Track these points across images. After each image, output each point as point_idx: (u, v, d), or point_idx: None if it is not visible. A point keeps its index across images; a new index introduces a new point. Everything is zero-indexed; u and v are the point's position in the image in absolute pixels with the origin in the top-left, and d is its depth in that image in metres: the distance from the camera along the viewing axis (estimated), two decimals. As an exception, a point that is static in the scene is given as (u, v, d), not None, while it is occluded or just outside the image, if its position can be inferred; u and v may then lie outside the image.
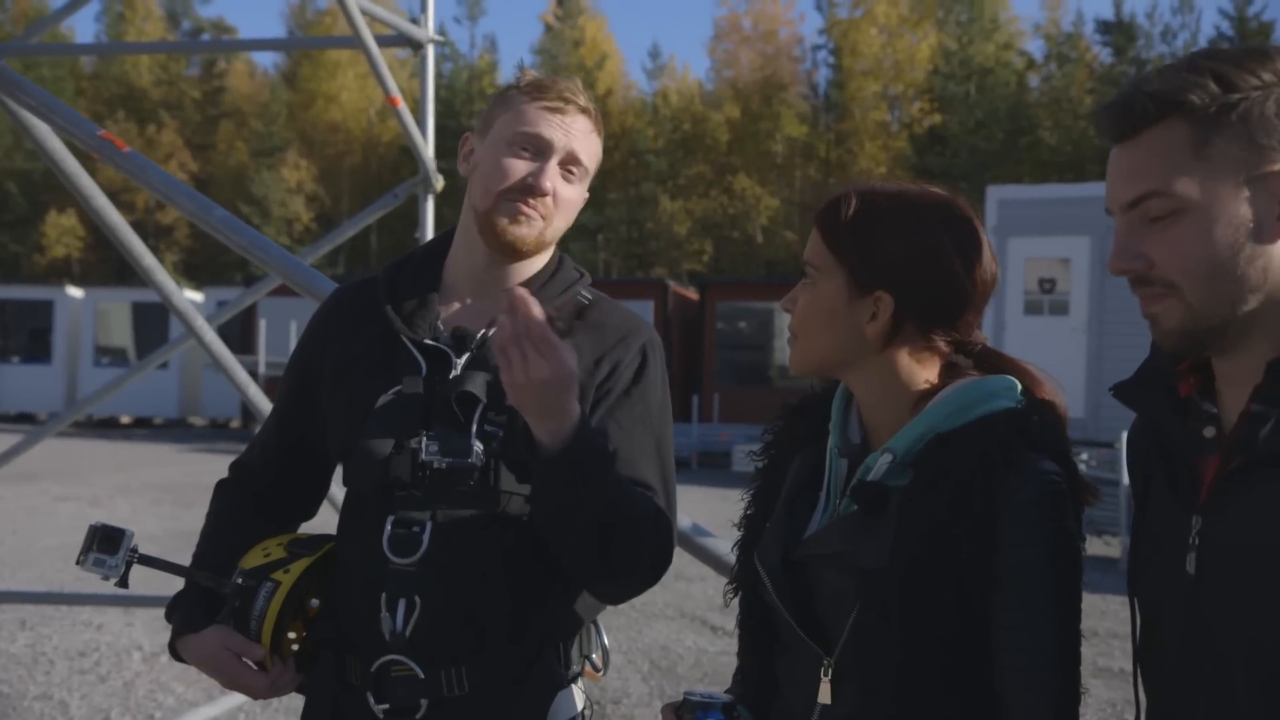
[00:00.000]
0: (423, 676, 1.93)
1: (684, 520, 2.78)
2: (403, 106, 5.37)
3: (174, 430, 25.51)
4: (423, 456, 1.91)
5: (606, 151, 2.15)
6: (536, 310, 1.71)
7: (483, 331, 2.01)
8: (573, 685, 2.02)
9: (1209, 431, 1.44)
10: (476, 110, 43.20)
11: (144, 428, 25.68)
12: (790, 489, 1.76)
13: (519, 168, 1.99)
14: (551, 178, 1.99)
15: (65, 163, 3.79)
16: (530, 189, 1.98)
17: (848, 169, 41.58)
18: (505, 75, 48.91)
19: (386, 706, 1.95)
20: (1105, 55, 42.68)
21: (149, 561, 2.07)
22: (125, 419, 26.02)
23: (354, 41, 5.22)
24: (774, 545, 1.71)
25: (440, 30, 5.72)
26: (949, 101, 40.19)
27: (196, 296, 25.89)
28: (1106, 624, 8.28)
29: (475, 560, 1.93)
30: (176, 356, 22.33)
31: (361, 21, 4.87)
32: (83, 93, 45.95)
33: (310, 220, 43.39)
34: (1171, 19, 47.49)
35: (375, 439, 1.94)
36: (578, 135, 2.02)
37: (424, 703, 1.93)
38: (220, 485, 2.26)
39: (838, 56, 42.91)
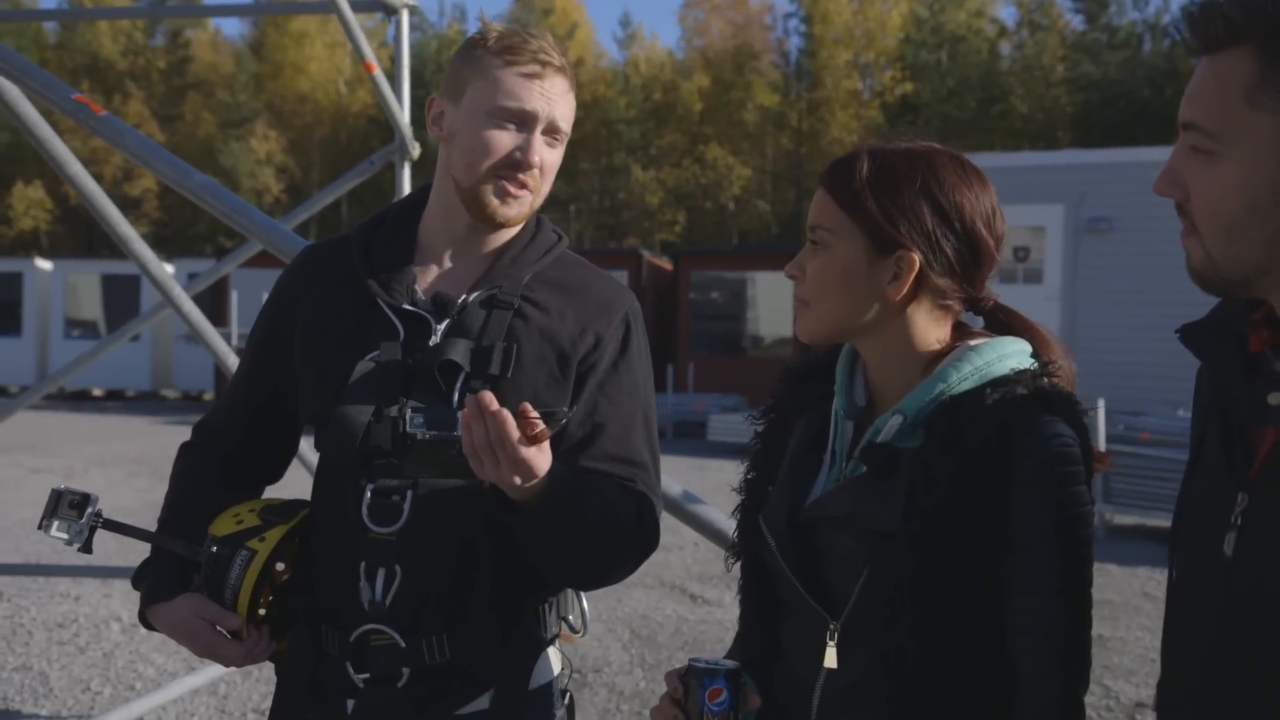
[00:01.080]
0: (403, 645, 1.90)
1: (674, 487, 2.77)
2: (379, 73, 5.33)
3: (147, 403, 25.28)
4: (406, 429, 1.87)
5: (578, 122, 2.11)
6: (509, 426, 1.65)
7: (463, 297, 1.97)
8: (550, 648, 2.02)
9: (1275, 398, 1.25)
10: (447, 79, 42.84)
11: (116, 400, 25.42)
12: (794, 452, 1.73)
13: (505, 141, 1.94)
14: (539, 150, 1.95)
15: (38, 128, 3.71)
16: (518, 164, 1.94)
17: (820, 138, 41.59)
18: (476, 44, 48.32)
19: (367, 676, 1.93)
20: (1077, 22, 42.77)
21: (114, 526, 2.01)
22: (97, 391, 25.76)
23: (329, 6, 5.17)
24: (780, 507, 1.68)
25: (412, -3, 5.71)
26: (921, 69, 40.18)
27: (167, 268, 25.52)
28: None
29: (456, 529, 1.91)
30: (148, 328, 22.16)
31: (337, -15, 4.81)
32: (46, 63, 45.28)
33: (280, 191, 43.07)
34: (1143, -14, 47.52)
35: (354, 406, 1.90)
36: (557, 99, 1.96)
37: (405, 671, 1.91)
38: (184, 447, 2.20)
39: (809, 25, 42.84)
